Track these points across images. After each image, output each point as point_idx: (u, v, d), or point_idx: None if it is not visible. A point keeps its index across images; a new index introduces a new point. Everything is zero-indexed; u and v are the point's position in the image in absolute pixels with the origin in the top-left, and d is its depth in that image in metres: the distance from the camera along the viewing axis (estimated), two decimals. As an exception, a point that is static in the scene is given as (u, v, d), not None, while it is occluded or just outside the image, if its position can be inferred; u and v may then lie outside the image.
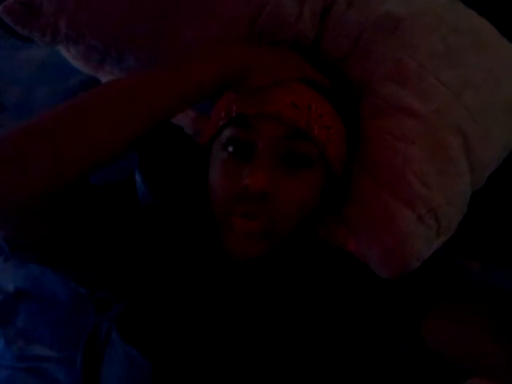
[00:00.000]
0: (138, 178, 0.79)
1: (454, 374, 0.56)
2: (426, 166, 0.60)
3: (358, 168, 0.63)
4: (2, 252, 0.82)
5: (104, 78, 0.73)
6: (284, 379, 0.56)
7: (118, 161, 0.51)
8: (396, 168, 0.60)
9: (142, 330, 0.59)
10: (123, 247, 0.60)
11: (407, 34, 0.62)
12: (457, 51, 0.62)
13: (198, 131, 0.71)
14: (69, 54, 0.70)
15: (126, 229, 0.61)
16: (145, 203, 0.79)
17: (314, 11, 0.65)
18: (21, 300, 0.84)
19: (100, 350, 0.64)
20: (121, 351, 0.59)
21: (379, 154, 0.62)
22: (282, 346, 0.57)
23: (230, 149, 0.58)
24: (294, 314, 0.60)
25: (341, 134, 0.61)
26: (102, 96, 0.50)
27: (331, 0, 0.65)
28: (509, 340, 0.49)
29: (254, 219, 0.56)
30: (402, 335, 0.58)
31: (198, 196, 0.64)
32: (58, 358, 0.80)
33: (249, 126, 0.57)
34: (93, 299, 0.68)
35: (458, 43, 0.62)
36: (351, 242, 0.64)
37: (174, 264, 0.63)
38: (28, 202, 0.45)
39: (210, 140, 0.62)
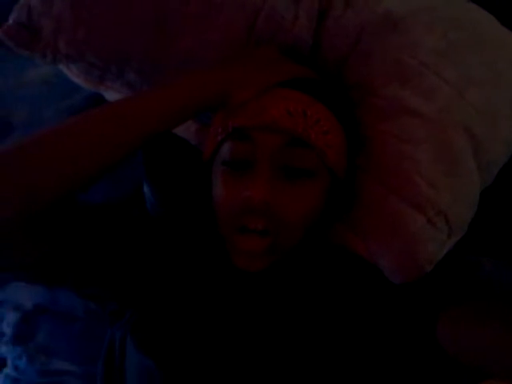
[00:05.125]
0: (146, 189, 0.79)
1: (468, 376, 0.55)
2: (432, 167, 0.59)
3: (364, 172, 0.63)
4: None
5: (106, 94, 0.73)
6: None
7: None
8: (402, 171, 0.59)
9: (154, 339, 0.59)
10: (130, 259, 0.61)
11: (407, 32, 0.61)
12: (458, 47, 0.61)
13: (202, 143, 0.71)
14: (70, 72, 0.70)
15: (133, 241, 0.62)
16: (154, 214, 0.80)
17: (309, 14, 0.64)
18: (40, 316, 0.85)
19: (116, 359, 0.65)
20: (135, 359, 0.60)
21: (385, 157, 0.61)
22: (295, 355, 0.57)
23: (230, 163, 0.58)
24: (306, 322, 0.59)
25: (340, 137, 0.60)
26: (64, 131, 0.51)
27: (327, 2, 0.64)
28: None
29: (263, 236, 0.56)
30: (418, 339, 0.57)
31: (204, 208, 0.64)
32: (79, 373, 0.82)
33: (246, 138, 0.57)
34: (106, 312, 0.69)
35: (458, 39, 0.61)
36: (361, 248, 0.63)
37: (183, 274, 0.63)
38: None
39: (211, 156, 0.62)
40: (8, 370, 0.86)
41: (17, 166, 0.48)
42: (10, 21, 0.65)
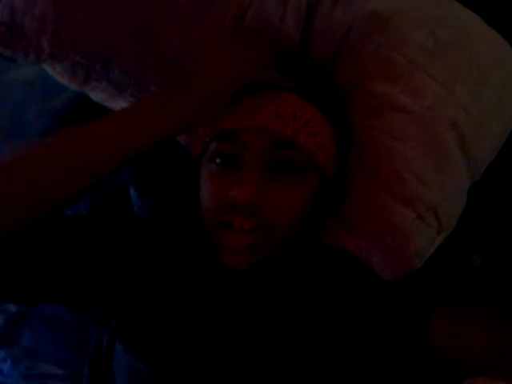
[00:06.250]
0: (132, 192, 0.78)
1: (459, 372, 0.55)
2: (422, 163, 0.59)
3: (354, 169, 0.63)
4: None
5: (92, 94, 0.72)
6: None
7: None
8: (392, 167, 0.59)
9: (144, 340, 0.58)
10: (118, 263, 0.60)
11: (396, 30, 0.62)
12: (446, 46, 0.61)
13: (191, 142, 0.70)
14: (54, 71, 0.69)
15: (120, 244, 0.61)
16: (141, 216, 0.79)
17: (298, 11, 0.64)
18: (24, 319, 0.83)
19: (103, 363, 0.64)
20: (124, 362, 0.59)
21: (375, 154, 0.61)
22: (285, 353, 0.57)
23: (218, 160, 0.57)
24: (296, 319, 0.59)
25: (330, 138, 0.60)
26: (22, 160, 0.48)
27: (315, 0, 0.64)
28: None
29: (249, 233, 0.55)
30: (410, 335, 0.57)
31: (192, 208, 0.64)
32: (64, 375, 0.80)
33: (234, 139, 0.56)
34: (94, 317, 0.68)
35: (446, 37, 0.61)
36: (351, 245, 0.63)
37: (172, 276, 0.63)
38: None
39: (199, 155, 0.62)
40: (-8, 374, 0.84)
41: None
42: (-8, 20, 0.64)
